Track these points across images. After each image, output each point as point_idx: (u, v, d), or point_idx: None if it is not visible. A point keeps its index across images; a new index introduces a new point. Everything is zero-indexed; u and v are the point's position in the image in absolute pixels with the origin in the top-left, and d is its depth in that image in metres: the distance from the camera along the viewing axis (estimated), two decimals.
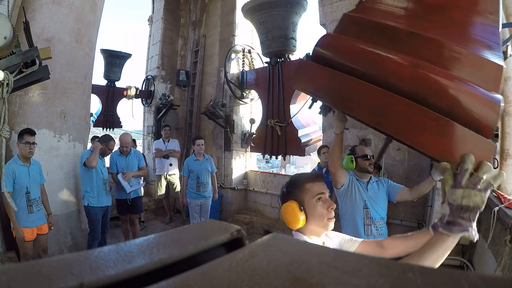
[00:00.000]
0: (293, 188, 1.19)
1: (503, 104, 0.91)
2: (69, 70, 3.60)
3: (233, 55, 5.72)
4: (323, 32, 4.30)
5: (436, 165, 1.79)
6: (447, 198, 0.91)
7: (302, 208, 1.14)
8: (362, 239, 1.29)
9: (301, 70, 1.32)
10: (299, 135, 4.73)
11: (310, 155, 5.41)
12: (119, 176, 3.88)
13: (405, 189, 2.32)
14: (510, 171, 2.60)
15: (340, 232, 1.37)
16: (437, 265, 0.89)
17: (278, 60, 4.99)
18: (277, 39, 4.77)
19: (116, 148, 4.06)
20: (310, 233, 1.17)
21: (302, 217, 1.13)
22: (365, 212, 2.26)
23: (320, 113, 1.46)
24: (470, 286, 0.20)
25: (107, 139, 3.71)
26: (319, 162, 4.08)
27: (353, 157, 2.32)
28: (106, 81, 6.32)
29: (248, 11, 4.95)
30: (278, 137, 4.95)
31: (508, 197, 2.20)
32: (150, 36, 6.88)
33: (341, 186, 2.21)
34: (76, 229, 3.71)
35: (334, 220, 1.17)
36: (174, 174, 5.48)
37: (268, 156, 5.15)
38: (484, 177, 0.86)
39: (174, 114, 6.40)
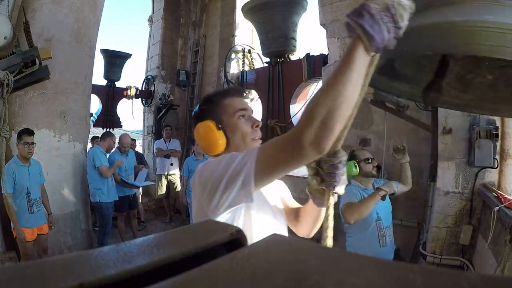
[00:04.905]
0: (209, 105, 0.95)
1: None
2: (69, 70, 3.60)
3: (233, 55, 5.73)
4: (323, 32, 4.30)
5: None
6: None
7: (220, 127, 0.91)
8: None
9: None
10: None
11: None
12: (125, 179, 4.13)
13: (399, 184, 2.34)
14: (510, 171, 2.60)
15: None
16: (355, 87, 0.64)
17: (278, 60, 4.99)
18: (277, 39, 4.77)
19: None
20: None
21: (222, 139, 0.90)
22: (378, 224, 2.12)
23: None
24: (470, 286, 0.20)
25: (111, 134, 4.06)
26: None
27: (355, 162, 2.18)
28: (106, 81, 6.32)
29: (248, 11, 4.95)
30: None
31: (508, 197, 2.19)
32: (150, 36, 6.88)
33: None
34: (76, 229, 3.71)
35: (260, 142, 0.94)
36: (174, 174, 5.48)
37: None
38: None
39: (174, 114, 6.40)
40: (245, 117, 0.94)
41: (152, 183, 5.29)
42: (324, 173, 0.75)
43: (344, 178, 0.76)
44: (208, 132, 0.90)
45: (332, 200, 0.77)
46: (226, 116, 0.93)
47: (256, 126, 0.94)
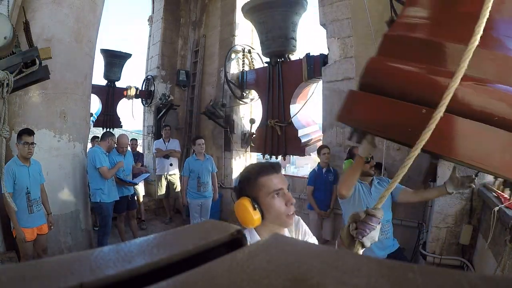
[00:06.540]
0: (246, 183, 1.06)
1: None
2: (69, 70, 3.60)
3: (233, 55, 5.72)
4: (323, 32, 4.29)
5: (453, 177, 1.78)
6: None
7: (256, 205, 1.02)
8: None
9: (354, 102, 1.07)
10: (299, 135, 4.73)
11: (310, 155, 5.41)
12: (123, 178, 4.11)
13: (409, 191, 2.23)
14: None
15: None
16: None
17: (278, 60, 4.99)
18: (277, 39, 4.77)
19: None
20: (267, 232, 1.06)
21: (256, 216, 1.01)
22: None
23: (353, 140, 1.23)
24: (470, 286, 0.20)
25: (112, 134, 4.07)
26: (319, 162, 4.08)
27: (352, 161, 2.22)
28: (106, 81, 6.32)
29: (248, 11, 4.95)
30: (278, 137, 4.95)
31: (508, 197, 2.19)
32: (150, 36, 6.88)
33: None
34: (76, 229, 3.71)
35: (294, 216, 1.07)
36: (174, 174, 5.48)
37: (268, 156, 5.15)
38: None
39: (174, 114, 6.40)
40: (279, 195, 1.04)
41: (149, 173, 5.32)
42: (359, 222, 0.92)
43: (373, 235, 0.90)
44: (244, 211, 1.02)
45: (360, 248, 0.90)
46: (262, 194, 1.04)
47: (290, 204, 1.04)
